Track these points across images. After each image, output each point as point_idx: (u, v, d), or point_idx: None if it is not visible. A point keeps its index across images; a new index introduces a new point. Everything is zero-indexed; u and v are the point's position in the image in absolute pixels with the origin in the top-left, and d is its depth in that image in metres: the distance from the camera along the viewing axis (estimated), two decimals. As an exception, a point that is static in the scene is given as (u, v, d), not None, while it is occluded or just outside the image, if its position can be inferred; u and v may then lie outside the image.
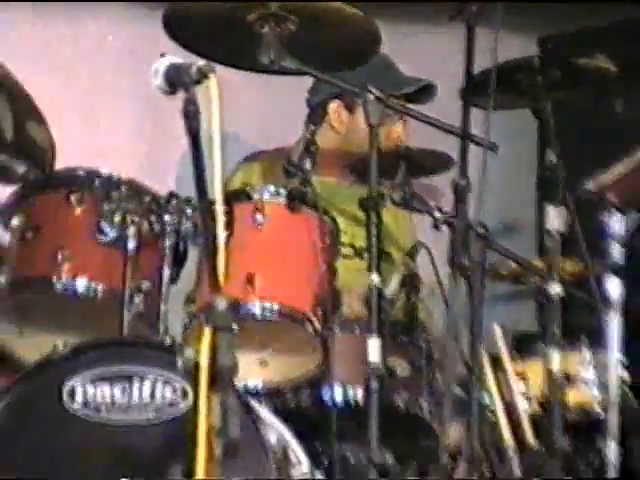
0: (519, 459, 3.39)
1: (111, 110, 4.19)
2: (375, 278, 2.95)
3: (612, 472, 3.13)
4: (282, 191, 3.24)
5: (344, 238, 3.52)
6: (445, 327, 3.28)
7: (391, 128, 3.95)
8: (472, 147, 3.17)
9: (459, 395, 3.26)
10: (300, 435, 3.16)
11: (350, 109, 3.93)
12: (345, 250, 3.60)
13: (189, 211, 3.23)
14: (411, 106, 3.61)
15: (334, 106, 3.95)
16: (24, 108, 3.23)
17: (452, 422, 3.27)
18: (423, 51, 4.47)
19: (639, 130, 3.77)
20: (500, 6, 3.04)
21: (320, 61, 3.20)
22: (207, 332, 2.27)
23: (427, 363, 3.51)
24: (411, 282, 3.46)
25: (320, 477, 3.21)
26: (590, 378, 3.57)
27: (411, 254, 3.46)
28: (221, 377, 2.28)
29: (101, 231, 3.20)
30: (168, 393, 2.97)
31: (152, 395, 2.98)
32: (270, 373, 3.33)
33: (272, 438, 3.05)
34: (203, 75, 2.35)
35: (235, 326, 2.34)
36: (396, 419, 3.34)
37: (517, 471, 3.35)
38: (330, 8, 3.17)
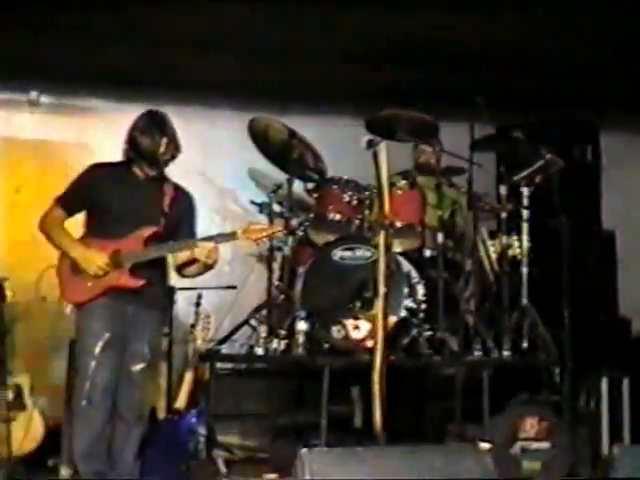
0: (491, 273, 6.53)
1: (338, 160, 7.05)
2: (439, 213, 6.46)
3: (525, 282, 6.47)
4: (406, 182, 6.68)
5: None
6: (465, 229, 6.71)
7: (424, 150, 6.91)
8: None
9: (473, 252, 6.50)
10: (415, 267, 6.32)
11: None
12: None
13: (375, 190, 6.17)
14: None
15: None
16: (313, 155, 6.83)
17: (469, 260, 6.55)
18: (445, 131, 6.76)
19: (533, 159, 6.24)
20: (483, 113, 6.34)
21: (415, 136, 6.71)
22: (382, 233, 4.85)
23: (460, 243, 6.73)
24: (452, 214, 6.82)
25: (422, 283, 6.34)
26: (517, 244, 6.38)
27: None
28: (386, 248, 4.95)
29: (342, 198, 6.57)
30: (368, 253, 6.13)
31: (362, 253, 6.25)
32: (403, 245, 6.41)
33: (405, 268, 6.22)
34: (378, 142, 4.86)
35: (391, 230, 5.58)
36: (448, 261, 6.43)
37: (492, 276, 6.45)
38: (416, 116, 6.57)
